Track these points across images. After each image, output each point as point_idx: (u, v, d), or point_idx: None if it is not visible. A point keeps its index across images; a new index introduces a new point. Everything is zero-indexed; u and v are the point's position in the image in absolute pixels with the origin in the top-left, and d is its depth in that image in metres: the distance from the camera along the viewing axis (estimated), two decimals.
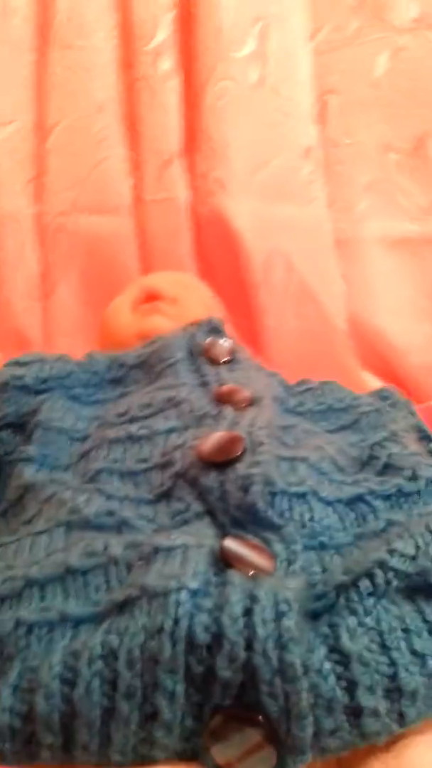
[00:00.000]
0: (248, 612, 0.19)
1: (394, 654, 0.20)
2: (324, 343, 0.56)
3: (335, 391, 0.38)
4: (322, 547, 0.24)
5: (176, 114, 0.57)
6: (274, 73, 0.61)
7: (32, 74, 0.58)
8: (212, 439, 0.28)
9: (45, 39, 0.58)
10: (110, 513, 0.26)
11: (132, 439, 0.31)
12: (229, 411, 0.31)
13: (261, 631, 0.18)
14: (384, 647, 0.20)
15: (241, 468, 0.26)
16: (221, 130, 0.57)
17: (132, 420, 0.32)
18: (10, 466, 0.32)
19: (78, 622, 0.21)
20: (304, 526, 0.24)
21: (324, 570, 0.22)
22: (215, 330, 0.39)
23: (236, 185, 0.57)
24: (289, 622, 0.19)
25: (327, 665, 0.19)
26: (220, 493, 0.25)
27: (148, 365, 0.37)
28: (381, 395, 0.38)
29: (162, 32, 0.56)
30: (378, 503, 0.26)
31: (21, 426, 0.34)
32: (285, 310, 0.57)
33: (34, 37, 0.58)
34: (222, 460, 0.26)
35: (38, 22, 0.58)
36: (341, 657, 0.19)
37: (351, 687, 0.19)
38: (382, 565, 0.21)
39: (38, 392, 0.34)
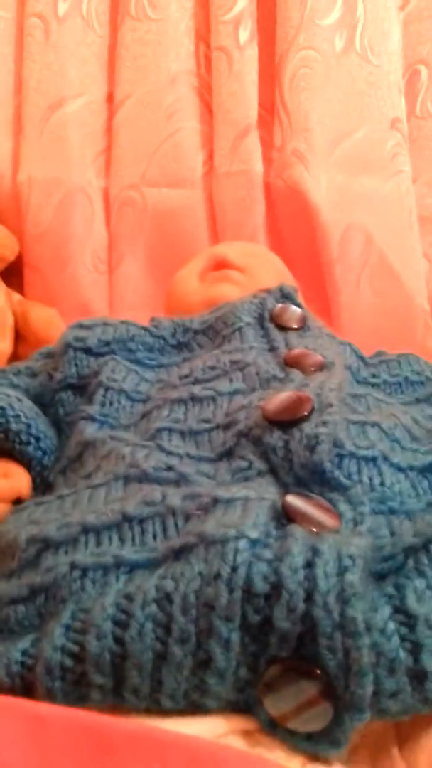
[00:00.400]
0: (310, 564, 0.19)
1: None
2: (404, 321, 0.54)
3: (413, 363, 0.37)
4: (392, 511, 0.23)
5: (254, 85, 0.57)
6: (362, 40, 0.60)
7: (103, 48, 0.59)
8: (279, 398, 0.27)
9: (116, 12, 0.59)
10: (169, 468, 0.26)
11: (195, 399, 0.31)
12: (297, 374, 0.30)
13: (323, 584, 0.18)
14: None
15: (307, 427, 0.25)
16: (302, 101, 0.56)
17: (195, 381, 0.32)
18: (69, 426, 0.33)
19: (133, 567, 0.21)
20: (373, 489, 0.24)
21: (393, 533, 0.22)
22: (287, 296, 0.38)
23: (315, 157, 0.56)
24: (353, 577, 0.18)
25: (391, 625, 0.19)
26: (285, 452, 0.25)
27: (214, 330, 0.37)
28: None
29: (242, 1, 0.56)
30: None
31: (81, 387, 0.34)
32: (362, 286, 0.55)
33: (106, 12, 0.59)
34: (288, 420, 0.26)
35: None
36: (407, 618, 0.19)
37: (415, 649, 0.18)
38: None
39: (100, 354, 0.35)
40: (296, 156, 0.56)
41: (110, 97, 0.57)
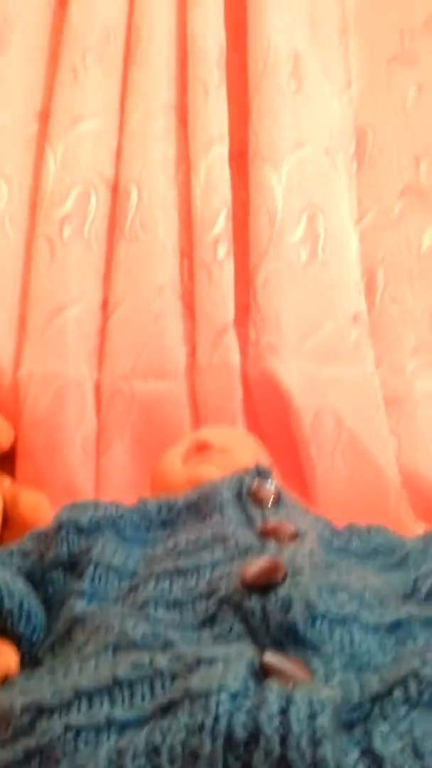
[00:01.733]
0: (284, 711, 0.22)
1: (428, 760, 0.22)
2: (377, 494, 0.63)
3: (382, 533, 0.44)
4: (361, 667, 0.28)
5: (231, 291, 0.72)
6: (324, 252, 0.76)
7: (100, 263, 0.75)
8: (255, 565, 0.33)
9: (112, 234, 0.75)
10: (156, 635, 0.31)
11: (179, 571, 0.37)
12: (273, 544, 0.37)
13: (296, 727, 0.22)
14: (417, 753, 0.22)
15: (282, 591, 0.31)
16: (273, 302, 0.71)
17: (179, 554, 0.39)
18: (58, 604, 0.39)
19: (124, 726, 0.25)
20: (343, 648, 0.29)
21: (361, 686, 0.25)
22: (263, 474, 0.47)
23: (287, 350, 0.69)
24: (323, 720, 0.22)
25: (360, 766, 0.22)
26: (262, 614, 0.30)
27: (197, 507, 0.45)
28: (430, 538, 0.43)
29: (220, 224, 0.73)
30: (418, 628, 0.31)
31: (72, 566, 0.40)
32: (334, 462, 0.65)
33: (104, 233, 0.76)
34: (264, 584, 0.32)
35: (110, 222, 0.76)
36: (374, 759, 0.22)
37: None
38: (415, 674, 0.25)
39: (91, 533, 0.42)
40: (269, 349, 0.69)
41: (105, 304, 0.72)
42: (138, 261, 0.72)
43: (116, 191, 0.76)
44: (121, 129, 0.78)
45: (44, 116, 0.78)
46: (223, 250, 0.72)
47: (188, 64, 0.81)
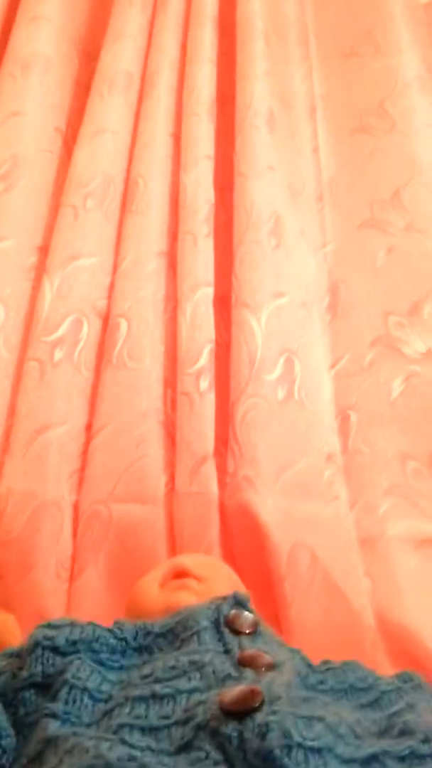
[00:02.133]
0: None
1: None
2: (351, 638, 0.64)
3: (357, 670, 0.46)
4: None
5: (211, 422, 0.76)
6: (300, 392, 0.82)
7: (87, 386, 0.79)
8: (233, 691, 0.35)
9: (101, 360, 0.80)
10: (132, 758, 0.32)
11: (155, 697, 0.38)
12: (250, 672, 0.39)
13: None
14: None
15: (259, 717, 0.33)
16: (251, 436, 0.75)
17: (156, 680, 0.40)
18: (30, 725, 0.39)
19: None
20: None
21: None
22: (240, 603, 0.48)
23: (263, 483, 0.73)
24: None
25: None
26: (239, 741, 0.32)
27: (174, 633, 0.46)
28: (403, 678, 0.45)
29: (203, 359, 0.79)
30: (392, 763, 0.33)
31: (45, 686, 0.41)
32: (310, 602, 0.66)
33: (93, 359, 0.81)
34: (241, 711, 0.33)
35: (99, 349, 0.81)
36: None
37: None
38: None
39: (67, 653, 0.42)
40: (246, 481, 0.72)
41: (89, 426, 0.75)
42: (124, 387, 0.76)
43: (107, 322, 0.82)
44: (114, 268, 0.86)
45: (44, 249, 0.85)
46: (206, 384, 0.78)
47: (179, 217, 0.91)
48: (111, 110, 0.97)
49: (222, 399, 0.79)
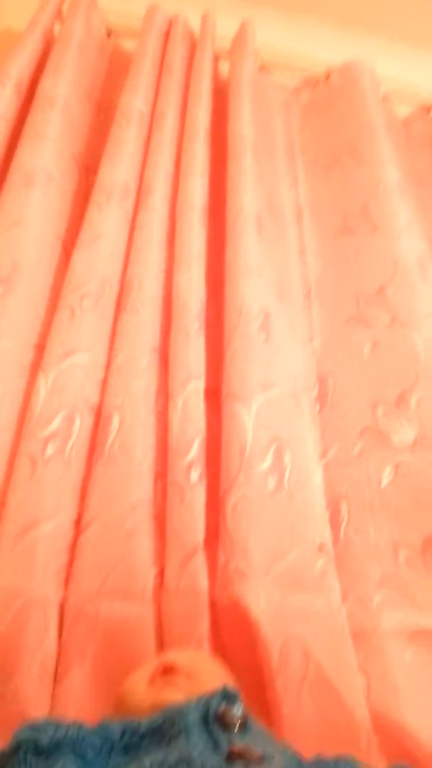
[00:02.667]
0: None
1: None
2: (345, 735, 0.62)
3: (350, 764, 0.44)
4: None
5: (201, 514, 0.77)
6: (290, 482, 0.82)
7: (77, 481, 0.80)
8: None
9: (92, 454, 0.82)
10: None
11: None
12: (240, 765, 0.38)
13: None
14: None
15: None
16: (242, 527, 0.75)
17: None
18: None
19: None
20: None
21: None
22: (229, 697, 0.47)
23: (255, 575, 0.72)
24: None
25: None
26: None
27: (162, 731, 0.45)
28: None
29: (194, 451, 0.80)
30: None
31: None
32: (302, 699, 0.64)
33: (84, 455, 0.82)
34: None
35: (91, 443, 0.83)
36: None
37: None
38: None
39: (50, 754, 0.42)
40: (237, 574, 0.71)
41: (78, 521, 0.76)
42: (114, 480, 0.77)
43: (99, 416, 0.84)
44: (108, 364, 0.89)
45: (40, 347, 0.89)
46: (196, 475, 0.79)
47: (172, 314, 0.95)
48: (108, 219, 1.03)
49: (212, 490, 0.80)
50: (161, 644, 0.68)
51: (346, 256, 1.17)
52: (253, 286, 0.99)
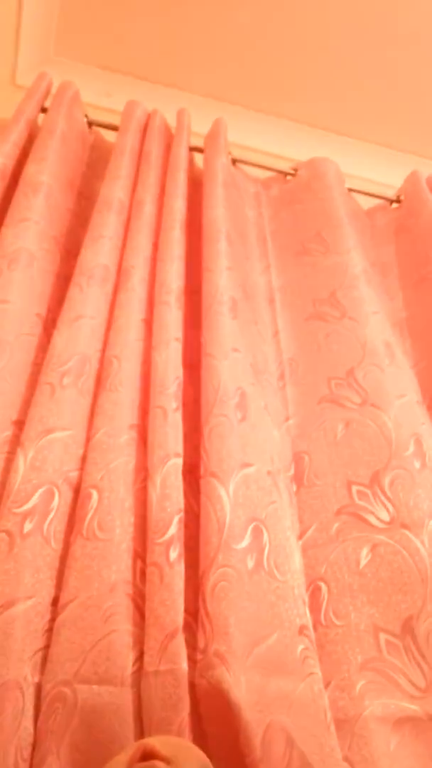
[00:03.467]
0: None
1: None
2: None
3: None
4: None
5: (181, 594, 0.76)
6: (269, 561, 0.82)
7: (55, 559, 0.79)
8: None
9: (71, 532, 0.81)
10: None
11: None
12: None
13: None
14: None
15: None
16: (222, 609, 0.74)
17: None
18: None
19: None
20: None
21: None
22: None
23: (235, 659, 0.71)
24: None
25: None
26: None
27: None
28: None
29: (173, 528, 0.80)
30: None
31: None
32: None
33: (63, 531, 0.81)
34: None
35: (69, 520, 0.82)
36: None
37: None
38: None
39: None
40: (218, 657, 0.70)
41: (56, 600, 0.74)
42: (93, 559, 0.76)
43: (78, 493, 0.84)
44: (87, 440, 0.90)
45: (20, 424, 0.89)
46: (175, 554, 0.78)
47: (150, 393, 0.97)
48: (89, 299, 1.06)
49: (191, 569, 0.79)
50: (141, 730, 0.66)
51: (317, 339, 1.22)
52: (229, 367, 1.02)
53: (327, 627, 0.84)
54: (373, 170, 1.93)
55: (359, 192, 1.66)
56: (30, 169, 1.24)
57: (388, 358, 1.14)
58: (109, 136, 1.54)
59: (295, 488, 1.01)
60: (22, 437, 0.85)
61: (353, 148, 2.02)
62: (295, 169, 1.65)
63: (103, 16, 1.80)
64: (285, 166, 1.66)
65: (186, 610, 0.75)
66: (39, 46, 1.83)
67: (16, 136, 1.29)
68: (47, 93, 1.48)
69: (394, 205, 1.68)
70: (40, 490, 0.79)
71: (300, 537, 0.95)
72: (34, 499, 0.78)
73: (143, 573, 0.78)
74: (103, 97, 1.76)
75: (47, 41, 1.86)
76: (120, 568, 0.77)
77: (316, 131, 2.03)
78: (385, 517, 0.93)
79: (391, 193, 1.69)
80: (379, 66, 1.85)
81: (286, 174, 1.65)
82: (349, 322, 1.21)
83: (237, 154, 1.64)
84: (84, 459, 0.87)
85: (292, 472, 1.04)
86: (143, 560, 0.79)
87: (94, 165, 1.50)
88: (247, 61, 1.87)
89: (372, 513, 0.94)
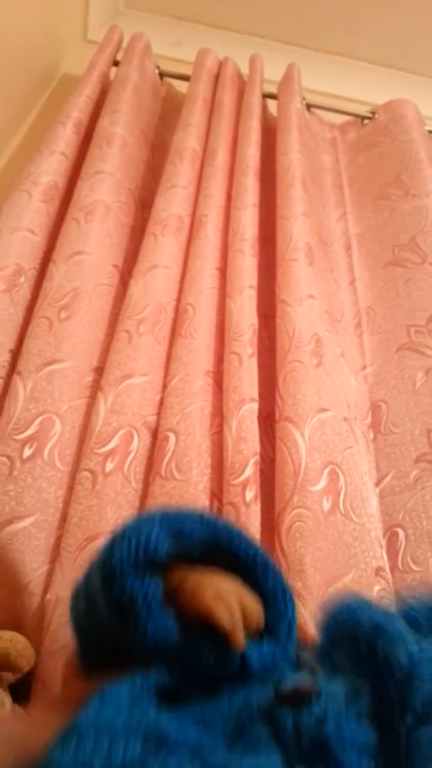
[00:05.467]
0: None
1: None
2: None
3: None
4: None
5: (257, 534, 0.77)
6: (345, 504, 0.83)
7: (135, 497, 0.82)
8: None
9: (150, 472, 0.84)
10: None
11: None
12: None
13: None
14: None
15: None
16: (297, 548, 0.76)
17: None
18: None
19: None
20: None
21: None
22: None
23: (310, 596, 0.72)
24: None
25: None
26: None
27: None
28: None
29: (248, 471, 0.81)
30: None
31: None
32: None
33: (142, 471, 0.84)
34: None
35: (148, 461, 0.85)
36: None
37: None
38: None
39: None
40: (294, 594, 0.71)
41: None
42: (171, 498, 0.79)
43: (156, 436, 0.86)
44: (164, 386, 0.92)
45: (99, 370, 0.92)
46: (251, 494, 0.80)
47: (225, 339, 0.98)
48: (163, 249, 1.07)
49: (267, 512, 0.81)
50: None
51: (396, 286, 1.19)
52: (304, 313, 1.01)
53: (404, 572, 0.84)
54: None
55: None
56: (104, 122, 1.25)
57: None
58: (182, 86, 1.53)
59: (372, 436, 1.01)
60: (101, 382, 0.88)
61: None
62: (373, 113, 1.59)
63: None
64: (362, 110, 1.61)
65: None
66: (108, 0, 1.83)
67: (89, 90, 1.30)
68: (118, 46, 1.48)
69: None
70: (121, 432, 0.83)
71: (377, 484, 0.95)
72: (115, 440, 0.82)
73: (220, 512, 0.80)
74: (174, 46, 1.75)
75: None
76: (197, 507, 0.79)
77: (394, 72, 1.94)
78: None
79: None
80: None
81: (363, 118, 1.60)
82: (430, 268, 1.18)
83: (311, 99, 1.60)
84: (161, 404, 0.90)
85: (369, 420, 1.03)
86: (220, 500, 0.82)
87: (166, 117, 1.50)
88: (318, 3, 1.80)
89: None
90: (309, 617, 0.70)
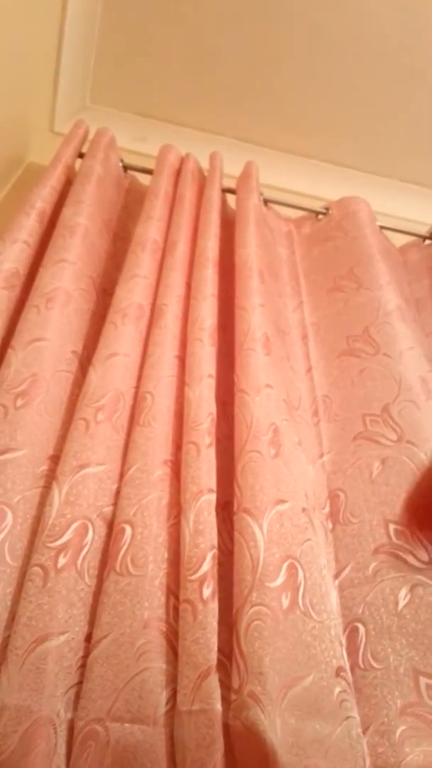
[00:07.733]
0: None
1: None
2: None
3: None
4: None
5: (214, 633, 0.75)
6: (304, 600, 0.81)
7: (88, 594, 0.79)
8: None
9: (104, 567, 0.81)
10: None
11: None
12: None
13: None
14: None
15: None
16: (256, 648, 0.73)
17: None
18: None
19: None
20: None
21: None
22: None
23: (270, 701, 0.70)
24: None
25: None
26: None
27: None
28: None
29: (206, 565, 0.80)
30: None
31: None
32: None
33: (96, 566, 0.82)
34: None
35: (103, 555, 0.82)
36: None
37: None
38: None
39: None
40: (252, 698, 0.69)
41: (89, 636, 0.74)
42: (126, 595, 0.76)
43: (112, 528, 0.84)
44: (121, 475, 0.91)
45: (55, 459, 0.91)
46: (209, 591, 0.78)
47: (184, 428, 0.98)
48: (123, 337, 1.08)
49: (225, 607, 0.79)
50: None
51: (351, 375, 1.22)
52: (262, 402, 1.02)
53: (365, 669, 0.82)
54: (405, 208, 1.95)
55: (391, 229, 1.68)
56: (67, 212, 1.28)
57: (424, 394, 1.14)
58: (144, 179, 1.59)
59: (330, 526, 1.00)
60: (57, 472, 0.87)
61: (383, 186, 2.05)
62: (327, 208, 1.67)
63: (136, 65, 1.88)
64: (316, 206, 1.69)
65: (220, 650, 0.75)
66: (76, 94, 1.91)
67: (54, 181, 1.34)
68: (84, 139, 1.54)
69: (427, 241, 1.69)
70: (75, 525, 0.81)
71: (336, 576, 0.94)
72: (69, 533, 0.79)
73: (176, 610, 0.78)
74: (138, 141, 1.83)
75: (83, 90, 1.94)
76: (153, 604, 0.77)
77: (346, 171, 2.06)
78: (424, 556, 0.92)
79: (423, 230, 1.70)
80: (404, 104, 1.88)
81: (317, 213, 1.68)
82: (383, 358, 1.21)
83: (268, 194, 1.68)
84: (118, 494, 0.89)
85: (327, 509, 1.03)
86: (176, 597, 0.79)
87: (129, 207, 1.55)
88: (276, 105, 1.92)
89: (411, 553, 0.93)
90: (268, 724, 0.68)
